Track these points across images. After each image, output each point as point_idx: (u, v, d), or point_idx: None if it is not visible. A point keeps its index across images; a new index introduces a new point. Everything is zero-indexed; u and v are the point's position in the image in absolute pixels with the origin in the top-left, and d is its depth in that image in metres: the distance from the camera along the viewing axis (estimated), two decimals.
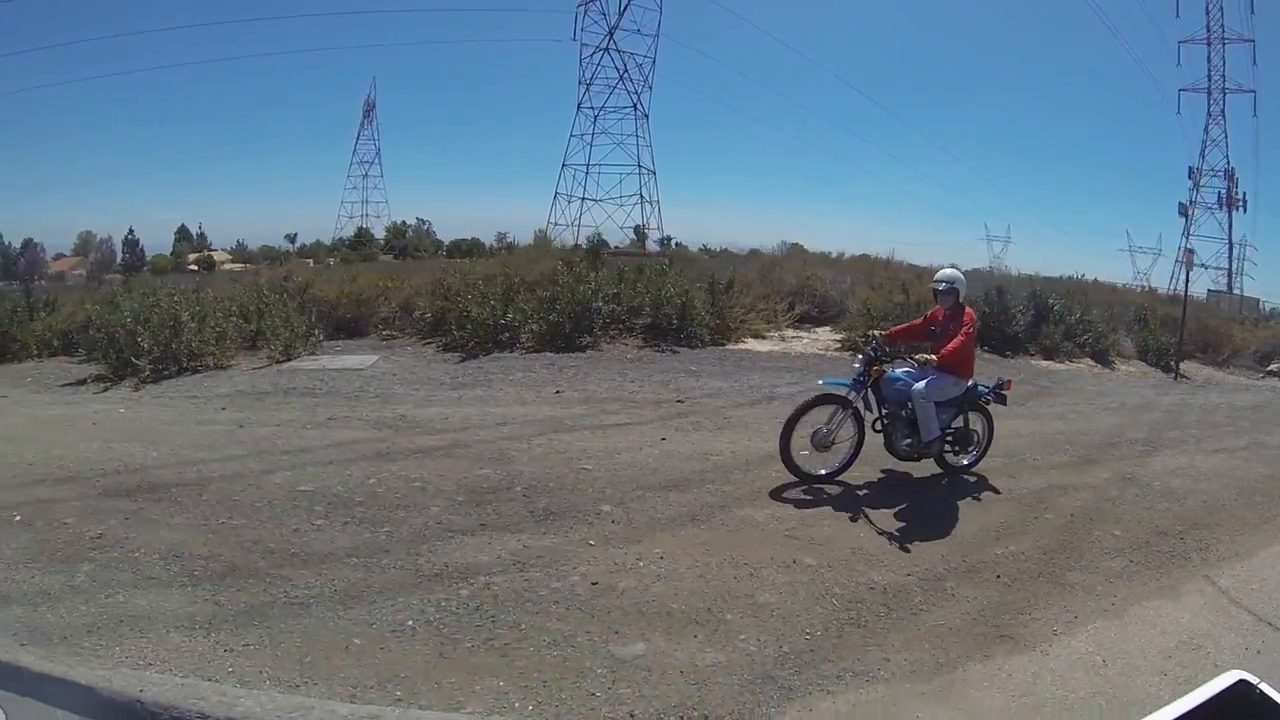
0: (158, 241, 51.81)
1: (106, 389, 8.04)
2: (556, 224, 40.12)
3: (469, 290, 9.40)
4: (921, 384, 5.13)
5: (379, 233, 47.37)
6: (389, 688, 2.86)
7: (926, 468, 5.46)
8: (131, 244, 49.31)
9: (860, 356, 5.33)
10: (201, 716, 2.04)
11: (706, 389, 8.10)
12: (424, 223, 48.71)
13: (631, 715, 2.65)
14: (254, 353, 9.24)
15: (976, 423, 5.59)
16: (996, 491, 5.24)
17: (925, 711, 2.71)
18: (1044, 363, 12.18)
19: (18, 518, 4.56)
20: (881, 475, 5.42)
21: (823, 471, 5.15)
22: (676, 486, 5.02)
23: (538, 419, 6.64)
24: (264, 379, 8.00)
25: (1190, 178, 35.73)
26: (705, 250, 28.24)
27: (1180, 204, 35.86)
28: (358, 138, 50.75)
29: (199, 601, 3.61)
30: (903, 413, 5.20)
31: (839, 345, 10.82)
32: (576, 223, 39.69)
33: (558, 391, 7.66)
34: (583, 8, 39.64)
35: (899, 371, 5.33)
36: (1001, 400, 5.59)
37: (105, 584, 3.78)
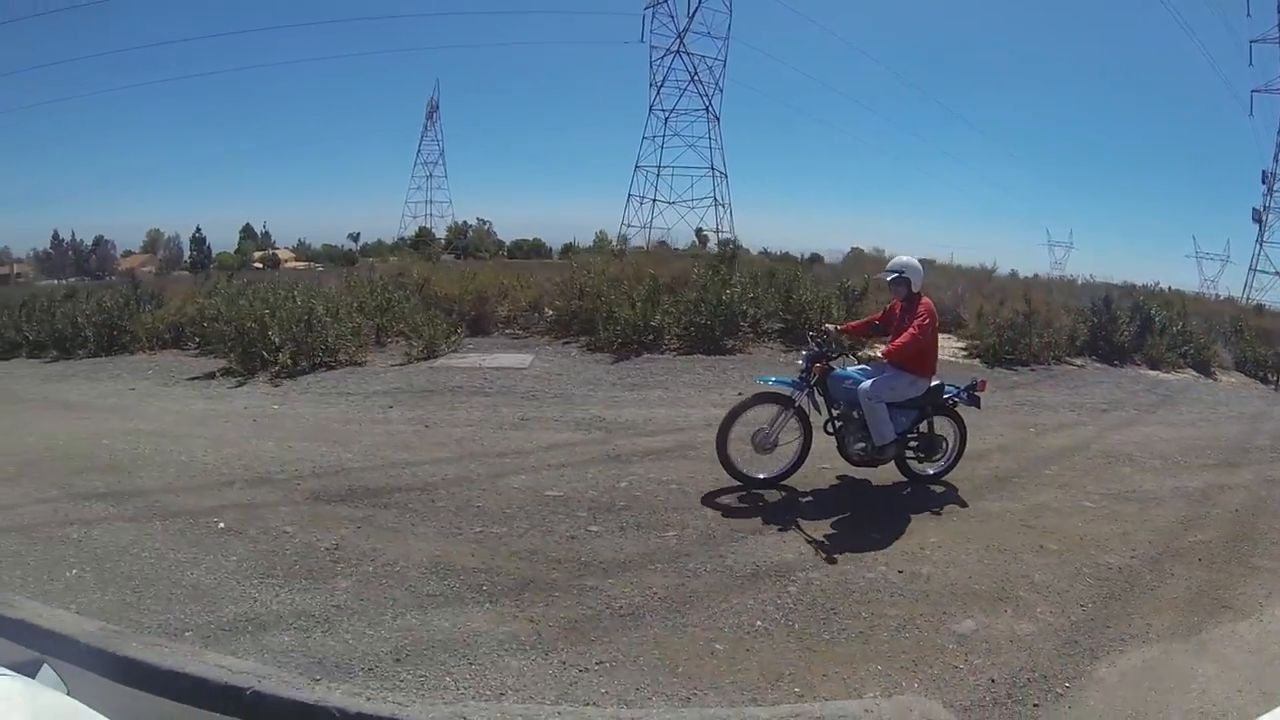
0: (221, 239, 52.21)
1: (241, 384, 7.48)
2: (629, 225, 39.78)
3: (614, 290, 8.84)
4: (868, 383, 4.59)
5: (440, 232, 47.29)
6: (783, 685, 2.76)
7: (886, 475, 4.90)
8: (198, 242, 49.52)
9: (804, 353, 4.78)
10: None
11: None
12: (484, 222, 48.66)
13: (992, 680, 2.82)
14: (380, 349, 8.64)
15: (945, 428, 4.92)
16: (964, 505, 4.60)
17: (1195, 665, 3.00)
18: (1151, 372, 11.79)
19: (221, 524, 3.93)
20: (836, 481, 4.90)
21: (761, 475, 4.67)
22: None
23: None
24: (417, 377, 7.32)
25: (1264, 182, 33.58)
26: (765, 253, 27.55)
27: (1254, 210, 33.92)
28: (422, 138, 51.00)
29: (509, 619, 3.06)
30: (855, 414, 4.67)
31: (965, 352, 10.30)
32: (648, 225, 39.23)
33: (739, 394, 6.94)
34: (650, 10, 39.61)
35: (851, 370, 4.79)
36: (975, 403, 4.90)
37: (380, 603, 3.17)
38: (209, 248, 51.05)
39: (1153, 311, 12.91)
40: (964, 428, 4.98)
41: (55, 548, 3.64)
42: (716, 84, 39.62)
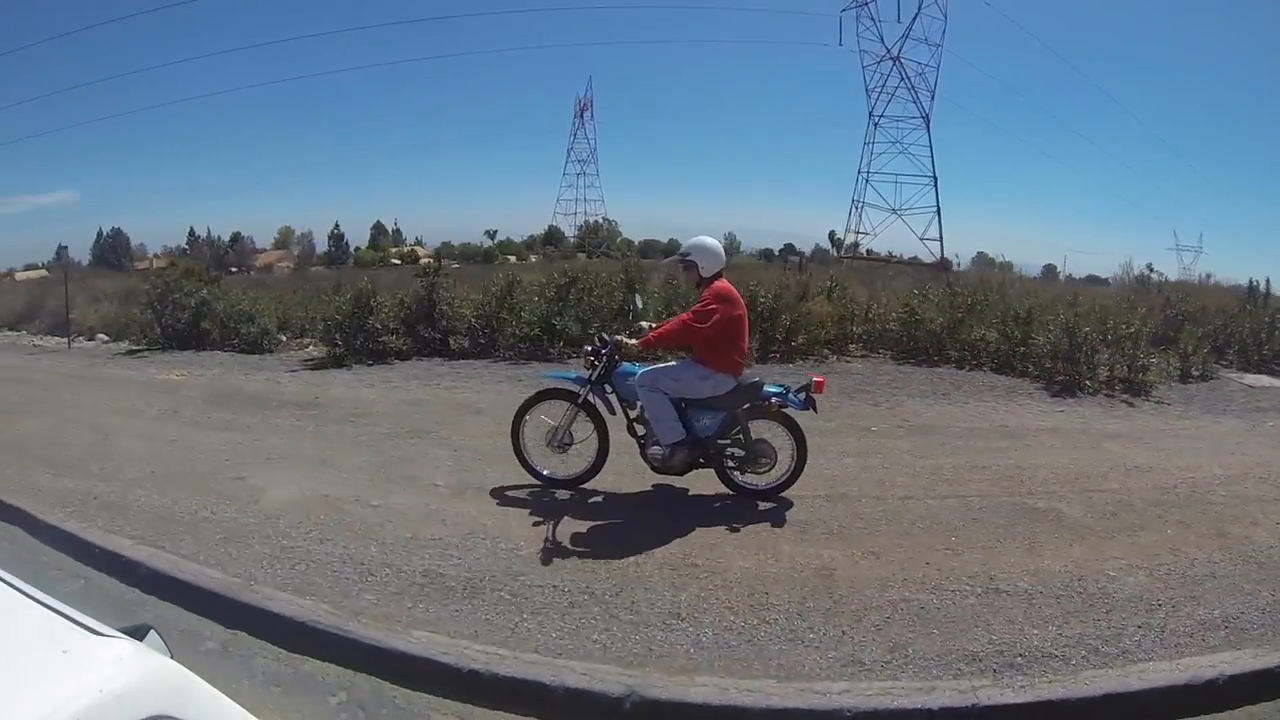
0: (352, 236, 51.97)
1: (1132, 404, 7.69)
2: (851, 231, 40.83)
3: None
4: (643, 371, 4.38)
5: (569, 230, 48.05)
6: None
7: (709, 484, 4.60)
8: (336, 238, 46.77)
9: (587, 348, 4.67)
10: None
11: None
12: (609, 221, 49.93)
13: None
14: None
15: (774, 435, 4.48)
16: (781, 525, 4.14)
17: None
18: None
19: None
20: (649, 488, 4.68)
21: (547, 473, 4.65)
22: None
23: None
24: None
25: None
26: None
27: None
28: (574, 136, 49.67)
29: None
30: (646, 415, 4.41)
31: None
32: (857, 229, 40.47)
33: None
34: (852, 12, 38.98)
35: (650, 368, 4.51)
36: (809, 406, 4.45)
37: None
38: (347, 244, 48.63)
39: None
40: (802, 438, 4.43)
41: None
42: (930, 90, 39.98)
